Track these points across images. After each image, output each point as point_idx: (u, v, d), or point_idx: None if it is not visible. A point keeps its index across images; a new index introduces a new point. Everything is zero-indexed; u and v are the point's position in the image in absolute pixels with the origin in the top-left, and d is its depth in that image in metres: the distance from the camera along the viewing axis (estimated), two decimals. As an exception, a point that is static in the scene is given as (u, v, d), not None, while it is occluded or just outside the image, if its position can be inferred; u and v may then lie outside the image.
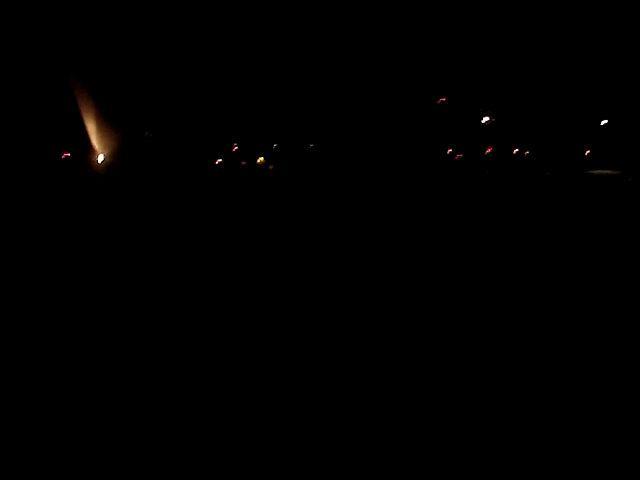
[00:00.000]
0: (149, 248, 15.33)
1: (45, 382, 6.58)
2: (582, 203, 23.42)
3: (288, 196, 27.38)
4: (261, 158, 37.50)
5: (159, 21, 35.84)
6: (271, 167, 37.37)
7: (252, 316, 9.12)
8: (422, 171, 35.36)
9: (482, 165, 37.76)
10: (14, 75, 32.26)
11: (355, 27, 38.48)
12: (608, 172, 34.30)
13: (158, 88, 35.88)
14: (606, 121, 37.39)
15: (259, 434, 5.58)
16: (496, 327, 8.26)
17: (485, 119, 39.73)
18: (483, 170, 36.34)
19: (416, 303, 9.71)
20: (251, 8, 38.06)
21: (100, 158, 30.44)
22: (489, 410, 5.93)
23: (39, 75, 32.75)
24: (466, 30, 37.98)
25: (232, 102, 38.34)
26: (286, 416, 5.86)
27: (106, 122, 31.85)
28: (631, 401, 6.04)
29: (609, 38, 36.85)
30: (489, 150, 39.20)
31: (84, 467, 5.15)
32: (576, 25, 36.90)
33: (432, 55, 39.18)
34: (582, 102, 38.09)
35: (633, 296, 9.76)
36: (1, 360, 7.28)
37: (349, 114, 39.69)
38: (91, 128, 31.18)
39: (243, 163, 37.93)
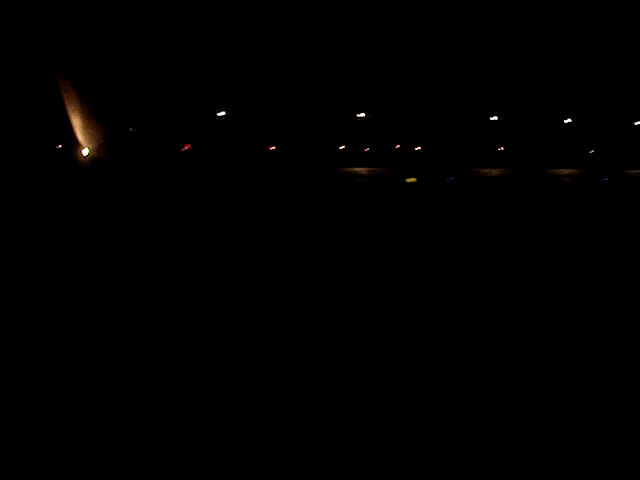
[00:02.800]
0: (135, 241, 15.63)
1: (44, 381, 6.64)
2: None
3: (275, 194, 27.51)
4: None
5: (144, 18, 36.15)
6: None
7: (251, 314, 9.14)
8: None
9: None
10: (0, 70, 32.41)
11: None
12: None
13: (142, 82, 36.09)
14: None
15: (257, 432, 5.45)
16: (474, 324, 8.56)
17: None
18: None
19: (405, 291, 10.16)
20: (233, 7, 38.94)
21: (85, 152, 30.86)
22: (488, 408, 5.90)
23: (25, 70, 33.09)
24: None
25: (216, 98, 38.69)
26: (284, 414, 5.78)
27: (91, 116, 32.06)
28: (626, 397, 6.13)
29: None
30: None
31: (84, 466, 4.95)
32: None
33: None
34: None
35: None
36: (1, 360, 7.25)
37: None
38: (76, 122, 31.46)
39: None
